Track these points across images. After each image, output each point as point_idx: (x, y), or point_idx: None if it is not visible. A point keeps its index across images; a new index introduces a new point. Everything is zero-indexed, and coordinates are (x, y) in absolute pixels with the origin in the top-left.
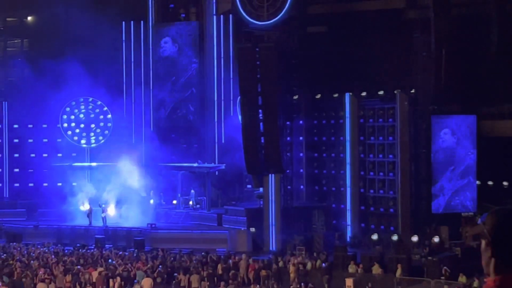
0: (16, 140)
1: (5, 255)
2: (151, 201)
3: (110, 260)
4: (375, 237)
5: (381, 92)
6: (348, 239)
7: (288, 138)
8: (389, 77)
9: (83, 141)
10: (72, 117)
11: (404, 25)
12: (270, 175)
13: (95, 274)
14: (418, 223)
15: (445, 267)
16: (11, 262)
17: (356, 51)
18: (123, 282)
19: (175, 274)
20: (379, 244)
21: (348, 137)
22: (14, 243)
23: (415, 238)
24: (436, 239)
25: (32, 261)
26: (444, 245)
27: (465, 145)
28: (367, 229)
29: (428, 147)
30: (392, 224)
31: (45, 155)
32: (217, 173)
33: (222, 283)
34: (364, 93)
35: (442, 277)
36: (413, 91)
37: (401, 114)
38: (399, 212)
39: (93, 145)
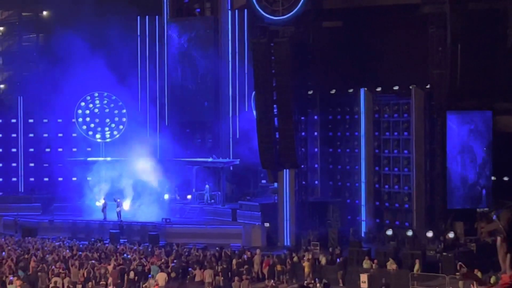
0: (31, 135)
1: (20, 249)
2: (166, 196)
3: (125, 255)
4: (389, 232)
5: (396, 87)
6: (362, 234)
7: (303, 133)
8: (404, 72)
9: (98, 136)
10: (87, 111)
11: (419, 20)
12: (284, 170)
13: (109, 269)
14: (433, 218)
15: (460, 263)
16: (26, 256)
17: (371, 46)
18: (137, 277)
19: (190, 269)
20: (394, 239)
21: (363, 132)
22: (29, 238)
23: (430, 234)
24: (451, 234)
25: (47, 256)
26: (459, 240)
27: (481, 141)
28: (381, 225)
29: (443, 143)
30: (407, 219)
31: (60, 149)
32: (231, 168)
33: (236, 278)
34: (379, 88)
35: (457, 273)
36: (428, 86)
37: (416, 109)
38: (414, 207)
39: (107, 140)
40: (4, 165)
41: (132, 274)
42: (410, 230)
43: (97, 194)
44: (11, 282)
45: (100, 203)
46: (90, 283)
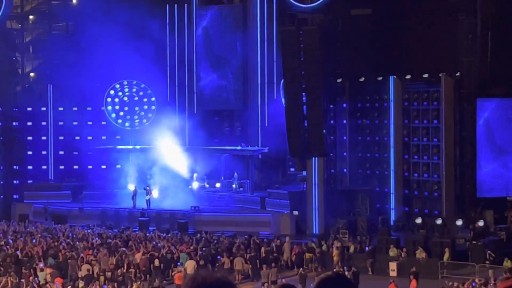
0: (61, 123)
1: (50, 236)
2: (195, 184)
3: (154, 242)
4: (419, 221)
5: (425, 75)
6: (391, 222)
7: (332, 121)
8: (434, 60)
9: (127, 124)
10: (116, 100)
11: (449, 7)
12: (313, 158)
13: (138, 256)
14: (463, 207)
15: (489, 252)
16: (56, 244)
17: (401, 34)
18: (163, 264)
19: (219, 256)
20: (423, 228)
21: (392, 120)
22: (59, 225)
23: (459, 222)
24: (480, 223)
25: (77, 243)
26: (489, 229)
27: (511, 128)
28: (411, 213)
29: (473, 131)
30: (436, 208)
31: (89, 137)
32: (260, 156)
33: (265, 266)
34: (408, 76)
35: (487, 262)
36: (458, 74)
37: (446, 97)
38: (443, 196)
39: (137, 128)
40: (34, 153)
41: (157, 262)
42: (440, 218)
43: (126, 182)
44: (41, 270)
45: (130, 189)
46: (119, 270)
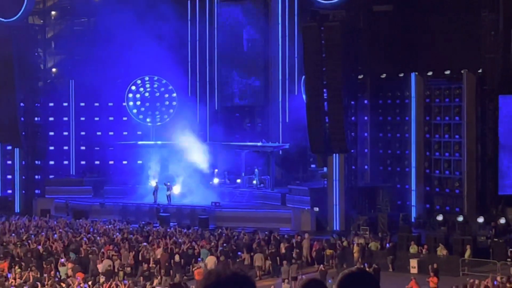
0: (82, 118)
1: (71, 231)
2: (215, 180)
3: (174, 238)
4: (440, 218)
5: (447, 72)
6: (412, 219)
7: (353, 118)
8: (455, 57)
9: (148, 120)
10: (138, 95)
11: (472, 4)
12: (334, 154)
13: (159, 252)
14: (484, 204)
15: (511, 249)
16: (77, 238)
17: (423, 30)
18: (183, 260)
19: (239, 252)
20: (444, 225)
21: (413, 117)
22: (81, 220)
23: (481, 220)
24: (502, 220)
25: (98, 238)
26: (510, 226)
27: None
28: (432, 210)
29: (495, 127)
30: (457, 205)
31: (111, 133)
32: (281, 152)
33: (285, 262)
34: (430, 73)
35: (508, 259)
36: (480, 70)
37: (468, 94)
38: (464, 193)
39: (158, 124)
40: (56, 148)
41: (177, 257)
42: (461, 215)
43: (147, 177)
44: (62, 264)
45: (152, 184)
46: (140, 266)
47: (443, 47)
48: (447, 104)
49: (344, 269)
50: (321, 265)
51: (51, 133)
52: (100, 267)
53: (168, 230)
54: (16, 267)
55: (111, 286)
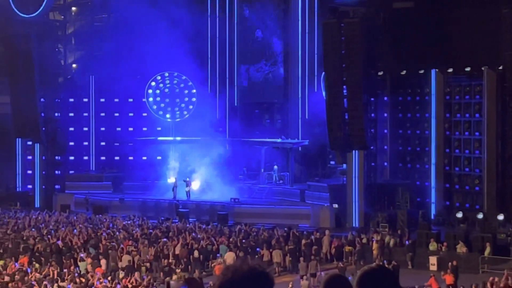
0: (102, 114)
1: (91, 227)
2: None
3: (193, 234)
4: (459, 215)
5: (468, 69)
6: (432, 216)
7: (373, 115)
8: (476, 54)
9: (168, 116)
10: (158, 91)
11: (492, 0)
12: (353, 151)
13: (178, 248)
14: (504, 201)
15: None
16: (97, 234)
17: (443, 27)
18: (202, 255)
19: (258, 249)
20: (464, 222)
21: (433, 114)
22: (100, 216)
23: (501, 217)
24: None
25: (117, 233)
26: None
27: None
28: (451, 207)
29: None
30: (477, 202)
31: (130, 129)
32: (300, 148)
33: (302, 259)
34: (450, 70)
35: None
36: (500, 67)
37: (488, 91)
38: (484, 190)
39: (177, 120)
40: (76, 144)
41: (196, 253)
42: (481, 212)
43: (167, 173)
44: (82, 259)
45: (171, 180)
46: (159, 261)
47: (464, 44)
48: (467, 101)
49: (363, 266)
50: (340, 262)
51: (71, 129)
52: (120, 263)
53: (187, 226)
54: (35, 262)
55: (131, 281)
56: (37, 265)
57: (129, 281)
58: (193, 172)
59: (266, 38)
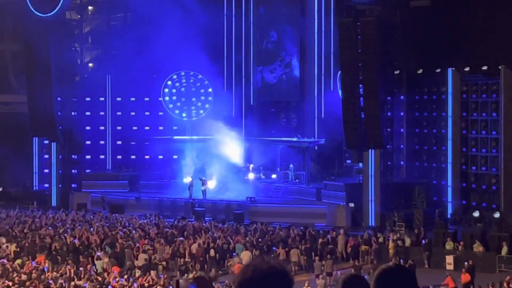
0: (118, 113)
1: (108, 225)
2: (251, 175)
3: (209, 233)
4: (476, 214)
5: (484, 67)
6: (448, 216)
7: (389, 113)
8: (493, 52)
9: (184, 114)
10: (174, 90)
11: None
12: (370, 150)
13: (194, 246)
14: None
15: None
16: (113, 233)
17: (459, 25)
18: (218, 254)
19: (274, 248)
20: (481, 221)
21: (450, 113)
22: (116, 214)
23: None
24: None
25: (133, 232)
26: None
27: None
28: (468, 206)
29: None
30: (494, 201)
31: (146, 128)
32: (316, 147)
33: (317, 258)
34: (467, 68)
35: None
36: None
37: (505, 89)
38: (501, 189)
39: (193, 119)
40: (92, 143)
41: (212, 252)
42: (498, 212)
43: (183, 172)
44: (98, 258)
45: (187, 180)
46: (175, 260)
47: (480, 42)
48: (484, 100)
49: (379, 265)
50: (355, 261)
51: (88, 128)
52: (136, 262)
53: (204, 224)
54: (48, 261)
55: (147, 280)
56: (50, 263)
57: (145, 280)
58: (209, 171)
59: (281, 39)
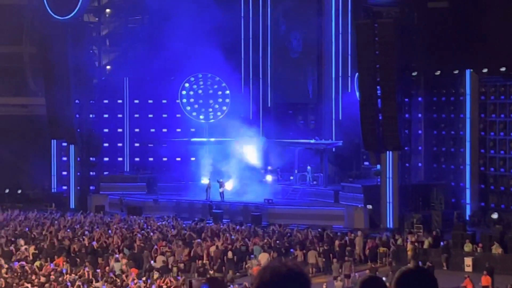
0: (136, 115)
1: (126, 227)
2: (268, 177)
3: (227, 235)
4: (495, 216)
5: (503, 69)
6: (467, 217)
7: (407, 115)
8: (511, 54)
9: (201, 117)
10: (191, 92)
11: None
12: (388, 152)
13: (212, 248)
14: None
15: None
16: (131, 235)
17: (478, 27)
18: (236, 257)
19: (292, 249)
20: (500, 223)
21: (468, 114)
22: (134, 216)
23: None
24: None
25: (151, 234)
26: None
27: None
28: (487, 208)
29: None
30: None
31: (164, 130)
32: (334, 149)
33: (335, 260)
34: (485, 70)
35: None
36: None
37: None
38: None
39: (211, 121)
40: (110, 145)
41: (230, 254)
42: None
43: (201, 174)
44: (117, 260)
45: (205, 182)
46: (193, 262)
47: (499, 44)
48: (502, 101)
49: (398, 267)
50: (373, 263)
51: (106, 130)
52: (154, 264)
53: (221, 226)
54: (66, 263)
55: (165, 282)
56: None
57: (163, 282)
58: (227, 173)
59: (299, 38)
